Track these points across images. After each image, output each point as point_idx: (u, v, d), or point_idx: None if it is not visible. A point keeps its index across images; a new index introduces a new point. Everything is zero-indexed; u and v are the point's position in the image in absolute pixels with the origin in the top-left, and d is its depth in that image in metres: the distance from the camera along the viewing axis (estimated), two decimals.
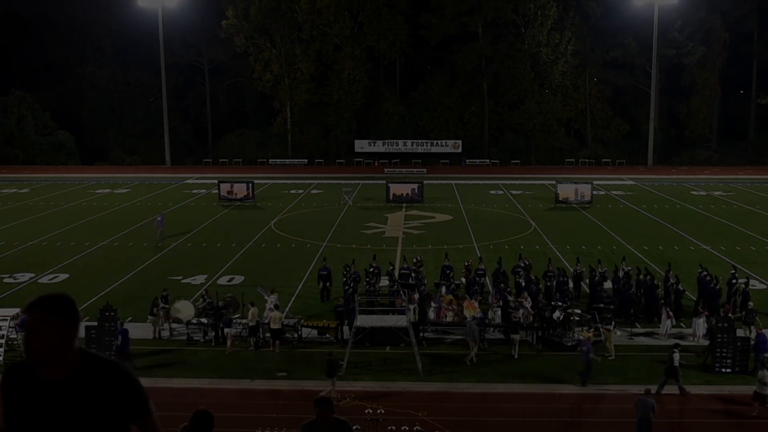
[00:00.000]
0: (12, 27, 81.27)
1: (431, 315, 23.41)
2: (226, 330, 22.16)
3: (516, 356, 21.20)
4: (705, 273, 25.78)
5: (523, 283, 25.12)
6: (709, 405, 18.58)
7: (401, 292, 23.51)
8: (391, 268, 28.04)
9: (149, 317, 23.15)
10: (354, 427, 16.60)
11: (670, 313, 23.01)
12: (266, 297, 23.90)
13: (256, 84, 77.64)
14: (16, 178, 62.69)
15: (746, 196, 53.25)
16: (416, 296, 23.72)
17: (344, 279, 26.09)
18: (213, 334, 22.76)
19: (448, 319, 23.25)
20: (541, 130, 76.73)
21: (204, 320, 23.17)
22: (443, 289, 25.09)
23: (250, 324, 22.13)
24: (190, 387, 19.43)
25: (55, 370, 3.45)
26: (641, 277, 25.78)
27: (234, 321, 22.58)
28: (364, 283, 26.48)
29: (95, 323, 21.56)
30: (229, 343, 21.94)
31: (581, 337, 20.97)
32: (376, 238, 37.89)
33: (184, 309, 23.57)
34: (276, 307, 22.80)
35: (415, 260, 28.24)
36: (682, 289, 25.16)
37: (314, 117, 78.53)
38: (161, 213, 40.35)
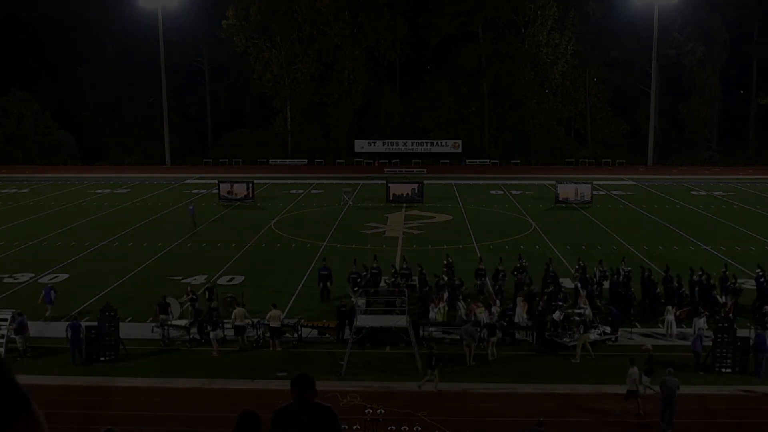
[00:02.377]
0: (12, 27, 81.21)
1: (462, 315, 23.33)
2: (211, 333, 21.75)
3: (491, 358, 21.01)
4: (761, 272, 25.76)
5: (580, 285, 25.12)
6: (709, 405, 18.57)
7: (403, 292, 23.57)
8: (393, 270, 27.91)
9: (161, 316, 22.99)
10: (354, 427, 16.63)
11: (677, 314, 23.02)
12: (355, 301, 23.74)
13: (256, 84, 77.63)
14: (16, 178, 62.70)
15: (746, 196, 53.25)
16: (445, 296, 23.93)
17: (358, 280, 26.07)
18: (188, 337, 22.57)
19: (478, 318, 23.01)
20: (541, 130, 76.73)
21: (182, 322, 22.93)
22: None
23: (236, 324, 22.08)
24: (188, 387, 19.43)
25: None
26: (695, 277, 25.69)
27: (222, 323, 22.38)
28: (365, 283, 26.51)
29: (95, 323, 21.58)
30: (215, 346, 21.57)
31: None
32: (376, 238, 37.89)
33: (173, 307, 23.53)
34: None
35: (445, 261, 28.10)
36: (740, 288, 25.18)
37: (314, 117, 78.54)
38: (191, 202, 43.18)
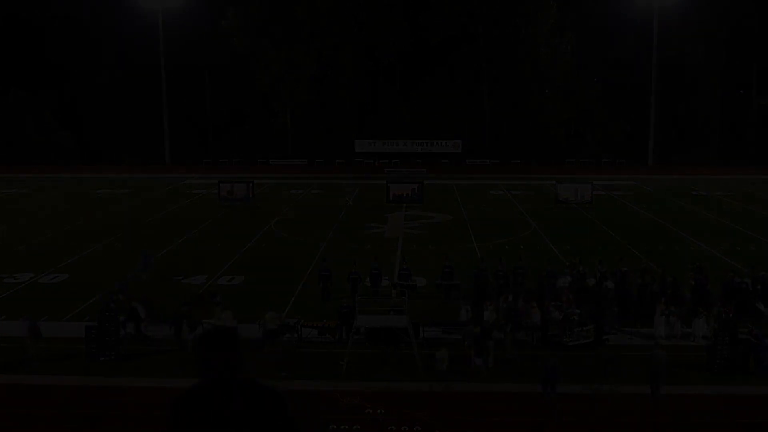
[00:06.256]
0: (12, 27, 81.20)
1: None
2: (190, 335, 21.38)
3: (490, 365, 20.27)
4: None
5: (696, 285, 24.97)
6: (709, 405, 18.56)
7: (403, 292, 23.53)
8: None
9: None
10: (354, 427, 16.60)
11: (665, 309, 23.00)
12: (465, 308, 23.42)
13: (256, 84, 77.61)
14: (16, 178, 62.70)
15: (746, 196, 53.24)
16: (510, 297, 23.55)
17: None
18: (123, 332, 21.95)
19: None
20: (541, 130, 76.71)
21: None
22: None
23: (229, 325, 21.93)
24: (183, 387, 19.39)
25: None
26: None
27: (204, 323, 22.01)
28: (366, 283, 26.52)
29: (95, 323, 21.54)
30: None
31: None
32: (376, 238, 37.88)
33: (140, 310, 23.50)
34: (466, 311, 23.02)
35: (580, 263, 27.28)
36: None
37: (314, 117, 78.54)
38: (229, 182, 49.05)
